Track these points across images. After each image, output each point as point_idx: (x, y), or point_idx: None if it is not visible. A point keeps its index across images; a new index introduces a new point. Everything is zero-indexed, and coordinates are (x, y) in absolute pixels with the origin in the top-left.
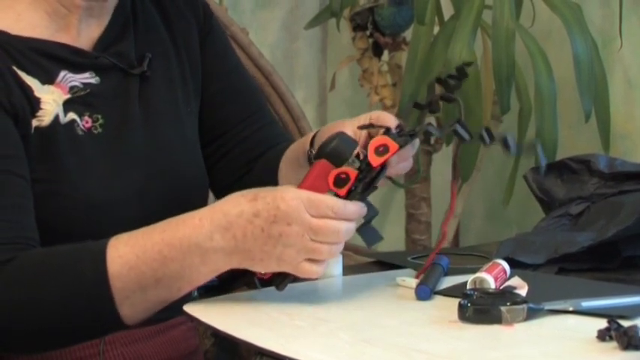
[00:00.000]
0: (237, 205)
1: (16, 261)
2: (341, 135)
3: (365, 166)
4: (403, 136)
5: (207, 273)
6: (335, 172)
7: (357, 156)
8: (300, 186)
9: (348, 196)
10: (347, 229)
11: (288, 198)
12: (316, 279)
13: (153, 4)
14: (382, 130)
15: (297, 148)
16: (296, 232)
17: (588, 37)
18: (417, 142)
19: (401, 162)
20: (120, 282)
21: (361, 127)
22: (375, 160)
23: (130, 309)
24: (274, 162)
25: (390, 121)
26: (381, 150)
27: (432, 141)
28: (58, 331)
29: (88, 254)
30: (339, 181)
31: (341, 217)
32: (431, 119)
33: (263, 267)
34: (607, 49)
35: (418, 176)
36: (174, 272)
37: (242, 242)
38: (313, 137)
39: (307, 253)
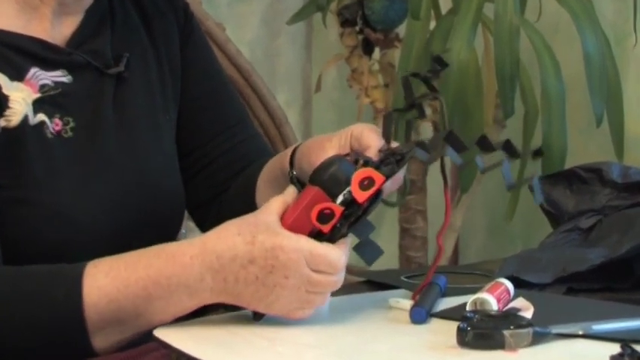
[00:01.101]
0: (233, 247)
1: None
2: (339, 161)
3: (350, 202)
4: (389, 164)
5: (193, 306)
6: (318, 207)
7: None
8: (287, 215)
9: (332, 233)
10: (341, 282)
11: (289, 250)
12: None
13: (132, 2)
14: (361, 161)
15: (275, 166)
16: (292, 285)
17: (600, 32)
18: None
19: (387, 193)
20: (96, 314)
21: (346, 155)
22: (361, 196)
23: (103, 340)
24: (252, 180)
25: (374, 141)
26: (366, 184)
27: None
28: (22, 356)
29: (62, 280)
30: (323, 217)
31: (336, 272)
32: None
33: (252, 308)
34: (620, 45)
35: (406, 191)
36: (158, 308)
37: (233, 286)
38: (292, 155)
39: (301, 303)
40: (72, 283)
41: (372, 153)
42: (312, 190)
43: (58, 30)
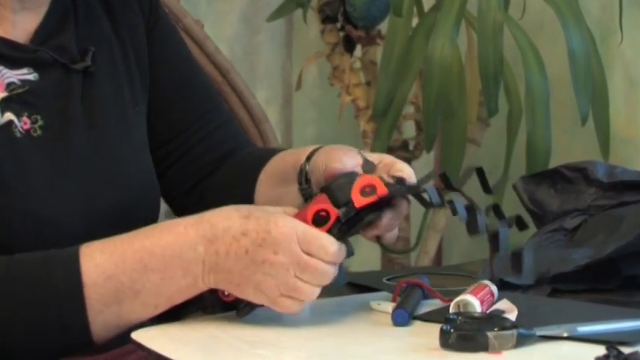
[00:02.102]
0: (228, 218)
1: None
2: (353, 174)
3: (347, 205)
4: (399, 186)
5: (186, 289)
6: (315, 207)
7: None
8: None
9: None
10: (332, 273)
11: (282, 225)
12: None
13: None
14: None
15: (285, 161)
16: (281, 263)
17: (585, 30)
18: (407, 201)
19: (388, 223)
20: (96, 294)
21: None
22: (359, 201)
23: (102, 325)
24: (241, 172)
25: (406, 170)
26: (368, 191)
27: (411, 147)
28: (16, 345)
29: (59, 262)
30: (319, 219)
31: (331, 259)
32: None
33: (239, 292)
34: (606, 43)
35: (415, 248)
36: (154, 285)
37: (224, 259)
38: (311, 153)
39: (288, 289)
40: (69, 263)
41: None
42: (319, 196)
43: (21, 28)
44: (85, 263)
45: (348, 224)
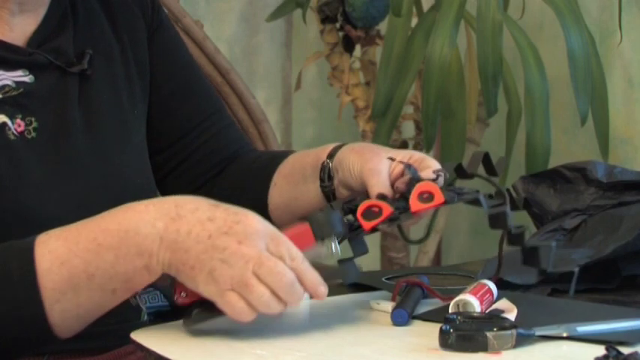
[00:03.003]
0: (196, 202)
1: None
2: (333, 210)
3: (402, 208)
4: (451, 191)
5: (141, 270)
6: (368, 203)
7: (394, 195)
8: None
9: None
10: (292, 283)
11: (252, 219)
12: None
13: None
14: (431, 177)
15: (303, 160)
16: (242, 254)
17: (584, 30)
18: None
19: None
20: (50, 281)
21: (403, 164)
22: (417, 206)
23: (60, 315)
24: (261, 174)
25: (434, 164)
26: (425, 197)
27: (411, 147)
28: None
29: (15, 252)
30: (370, 214)
31: (294, 267)
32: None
33: (191, 276)
34: (605, 43)
35: (428, 237)
36: (108, 265)
37: (184, 238)
38: (333, 150)
39: (240, 282)
40: (24, 253)
41: (429, 174)
42: (301, 225)
43: (18, 30)
44: (39, 251)
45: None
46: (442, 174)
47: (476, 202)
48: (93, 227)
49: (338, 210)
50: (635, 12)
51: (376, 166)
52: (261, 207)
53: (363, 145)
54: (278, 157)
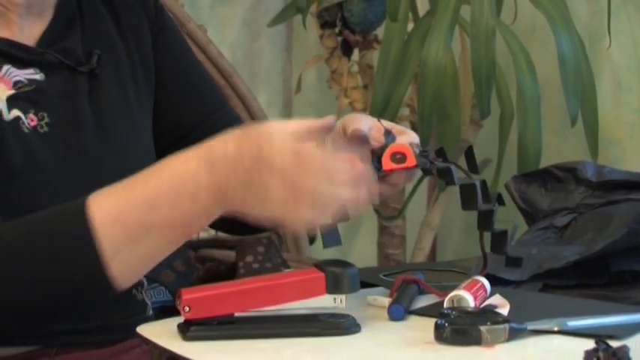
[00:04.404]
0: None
1: None
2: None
3: (375, 167)
4: (424, 157)
5: (199, 215)
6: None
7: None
8: None
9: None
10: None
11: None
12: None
13: None
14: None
15: None
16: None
17: (574, 34)
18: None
19: (393, 183)
20: (105, 236)
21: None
22: (388, 165)
23: (120, 267)
24: None
25: (414, 139)
26: (398, 158)
27: None
28: (39, 304)
29: (68, 214)
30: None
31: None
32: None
33: (248, 203)
34: (595, 47)
35: (398, 216)
36: (163, 216)
37: (227, 161)
38: None
39: (293, 188)
40: (77, 212)
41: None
42: (315, 272)
43: (28, 32)
44: (91, 209)
45: None
46: (417, 145)
47: (447, 172)
48: (141, 182)
49: (355, 267)
50: (623, 17)
51: (360, 118)
52: None
53: (351, 114)
54: None
